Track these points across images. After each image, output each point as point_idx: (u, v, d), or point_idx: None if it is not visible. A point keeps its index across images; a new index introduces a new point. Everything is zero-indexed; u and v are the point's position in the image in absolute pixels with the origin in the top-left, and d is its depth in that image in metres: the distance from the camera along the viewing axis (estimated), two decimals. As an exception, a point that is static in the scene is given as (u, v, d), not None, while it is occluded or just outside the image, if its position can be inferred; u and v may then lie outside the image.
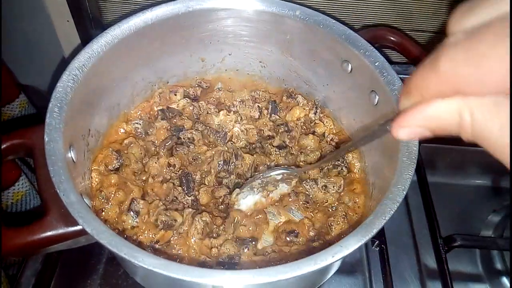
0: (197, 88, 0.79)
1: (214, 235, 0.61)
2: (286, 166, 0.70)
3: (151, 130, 0.73)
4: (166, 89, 0.78)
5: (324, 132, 0.75)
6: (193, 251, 0.60)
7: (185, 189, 0.65)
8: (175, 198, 0.65)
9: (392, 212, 0.48)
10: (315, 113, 0.77)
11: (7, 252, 0.47)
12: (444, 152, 0.89)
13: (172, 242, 0.60)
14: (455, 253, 0.73)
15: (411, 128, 0.32)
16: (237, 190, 0.66)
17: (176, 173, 0.68)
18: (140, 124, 0.72)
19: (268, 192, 0.67)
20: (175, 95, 0.77)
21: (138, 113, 0.75)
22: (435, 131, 0.31)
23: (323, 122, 0.76)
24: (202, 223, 0.60)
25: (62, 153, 0.51)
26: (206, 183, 0.68)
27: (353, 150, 0.70)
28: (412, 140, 0.38)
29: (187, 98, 0.77)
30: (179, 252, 0.60)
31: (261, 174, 0.67)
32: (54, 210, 0.49)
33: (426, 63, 0.29)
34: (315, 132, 0.75)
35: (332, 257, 0.44)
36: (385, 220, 0.47)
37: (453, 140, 0.87)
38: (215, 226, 0.62)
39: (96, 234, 0.45)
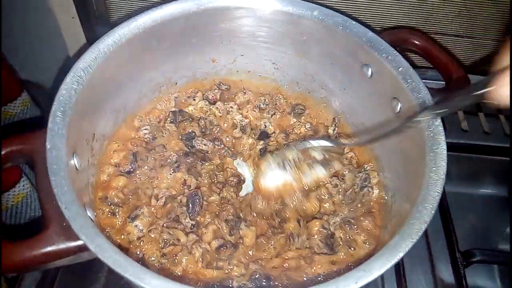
0: (216, 91, 0.76)
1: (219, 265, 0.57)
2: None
3: (159, 134, 0.69)
4: (183, 93, 0.75)
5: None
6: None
7: (189, 210, 0.60)
8: (176, 217, 0.60)
9: (420, 234, 0.44)
10: (333, 130, 0.73)
11: (4, 268, 0.44)
12: (459, 161, 0.85)
13: (179, 256, 0.56)
14: (472, 267, 0.69)
15: None
16: (270, 157, 0.61)
17: (187, 191, 0.64)
18: (147, 130, 0.68)
19: (301, 174, 0.61)
20: (194, 99, 0.74)
21: (147, 117, 0.72)
22: None
23: (342, 138, 0.71)
24: (200, 251, 0.56)
25: (64, 161, 0.48)
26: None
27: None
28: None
29: (206, 101, 0.74)
30: (188, 267, 0.56)
31: (298, 144, 0.61)
32: (55, 223, 0.46)
33: None
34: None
35: (355, 283, 0.40)
36: (413, 242, 0.43)
37: (469, 148, 0.85)
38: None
39: (99, 252, 0.41)
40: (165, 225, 0.59)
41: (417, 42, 0.66)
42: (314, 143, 0.61)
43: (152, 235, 0.57)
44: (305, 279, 0.56)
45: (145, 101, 0.72)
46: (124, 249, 0.56)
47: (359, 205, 0.64)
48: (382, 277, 0.73)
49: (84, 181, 0.56)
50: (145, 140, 0.69)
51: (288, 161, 0.61)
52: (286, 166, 0.61)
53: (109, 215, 0.59)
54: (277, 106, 0.76)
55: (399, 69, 0.59)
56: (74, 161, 0.53)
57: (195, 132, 0.70)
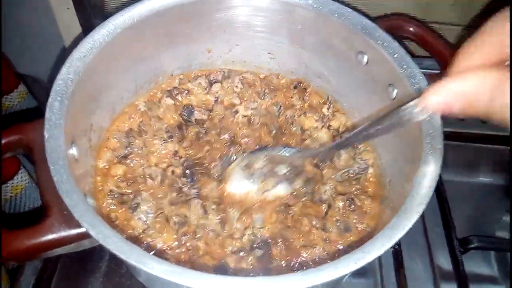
0: (218, 73, 0.76)
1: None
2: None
3: (155, 107, 0.70)
4: (185, 77, 0.75)
5: (339, 127, 0.72)
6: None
7: (189, 181, 0.62)
8: (179, 189, 0.62)
9: (420, 214, 0.45)
10: (328, 108, 0.73)
11: (5, 257, 0.44)
12: (457, 149, 0.86)
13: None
14: (470, 254, 0.71)
15: (445, 97, 0.33)
16: (239, 160, 0.63)
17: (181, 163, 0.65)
18: (143, 104, 0.70)
19: (265, 189, 0.62)
20: (196, 80, 0.74)
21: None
22: (466, 105, 0.33)
23: (337, 117, 0.72)
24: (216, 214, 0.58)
25: (63, 150, 0.48)
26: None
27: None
28: (435, 113, 0.37)
29: (206, 80, 0.75)
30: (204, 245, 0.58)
31: (268, 152, 0.63)
32: (56, 212, 0.46)
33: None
34: (330, 126, 0.71)
35: (355, 263, 0.41)
36: (412, 222, 0.44)
37: (466, 137, 0.86)
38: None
39: (102, 239, 0.42)
40: (172, 202, 0.60)
41: (412, 29, 0.66)
42: (284, 152, 0.63)
43: (158, 219, 0.57)
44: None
45: (141, 92, 0.72)
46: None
47: (353, 183, 0.65)
48: (380, 264, 0.74)
49: (83, 170, 0.56)
50: (140, 112, 0.69)
51: (257, 171, 0.62)
52: (254, 176, 0.62)
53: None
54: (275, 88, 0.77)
55: (395, 56, 0.59)
56: (73, 151, 0.52)
57: (192, 105, 0.71)
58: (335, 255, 0.57)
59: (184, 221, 0.58)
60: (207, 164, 0.65)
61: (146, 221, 0.58)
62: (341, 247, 0.59)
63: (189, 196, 0.61)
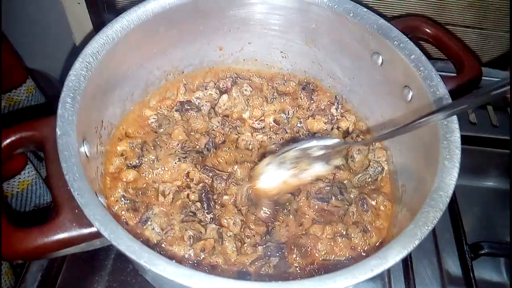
0: (227, 79, 0.75)
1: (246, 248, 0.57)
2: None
3: (165, 122, 0.68)
4: (190, 79, 0.74)
5: (348, 128, 0.71)
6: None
7: (205, 207, 0.59)
8: (192, 213, 0.59)
9: (436, 222, 0.44)
10: (336, 109, 0.72)
11: (16, 255, 0.43)
12: (467, 153, 0.85)
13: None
14: (479, 260, 0.69)
15: None
16: (268, 158, 0.59)
17: (194, 186, 0.62)
18: (155, 118, 0.68)
19: (300, 171, 0.59)
20: (206, 89, 0.73)
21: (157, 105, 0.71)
22: None
23: (346, 118, 0.71)
24: (232, 242, 0.56)
25: (75, 147, 0.47)
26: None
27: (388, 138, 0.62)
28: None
29: (216, 90, 0.73)
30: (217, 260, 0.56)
31: (296, 145, 0.58)
32: (67, 210, 0.45)
33: None
34: (339, 127, 0.70)
35: (371, 271, 0.40)
36: (428, 230, 0.43)
37: (477, 141, 0.84)
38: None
39: (113, 239, 0.41)
40: (183, 220, 0.57)
41: (428, 30, 0.65)
42: (311, 144, 0.58)
43: (172, 234, 0.56)
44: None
45: (152, 89, 0.71)
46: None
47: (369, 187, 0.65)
48: (389, 269, 0.73)
49: (94, 169, 0.56)
50: (152, 128, 0.68)
51: (287, 159, 0.59)
52: (285, 164, 0.59)
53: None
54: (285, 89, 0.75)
55: (411, 57, 0.58)
56: (84, 148, 0.52)
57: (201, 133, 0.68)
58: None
59: (199, 237, 0.56)
60: (222, 188, 0.63)
61: (159, 232, 0.56)
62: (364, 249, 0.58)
63: (205, 222, 0.59)
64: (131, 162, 0.62)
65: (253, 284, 0.41)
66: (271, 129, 0.71)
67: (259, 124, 0.71)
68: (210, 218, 0.59)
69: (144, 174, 0.62)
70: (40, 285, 0.64)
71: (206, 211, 0.59)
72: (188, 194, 0.61)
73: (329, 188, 0.62)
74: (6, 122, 0.79)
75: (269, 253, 0.56)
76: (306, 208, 0.61)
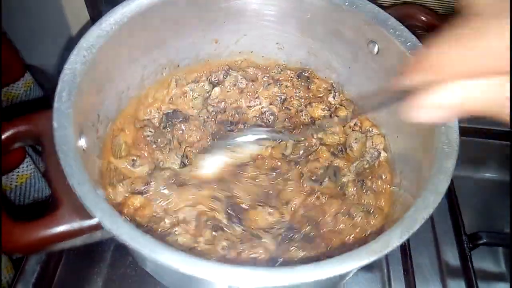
0: (220, 73, 0.74)
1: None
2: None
3: (162, 140, 0.67)
4: (183, 74, 0.73)
5: (347, 116, 0.71)
6: None
7: (236, 221, 0.57)
8: (220, 228, 0.56)
9: (436, 205, 0.44)
10: (333, 97, 0.72)
11: (17, 249, 0.43)
12: (465, 144, 0.85)
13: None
14: (477, 250, 0.70)
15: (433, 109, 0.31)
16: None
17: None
18: (151, 132, 0.66)
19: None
20: (198, 82, 0.73)
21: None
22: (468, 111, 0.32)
23: (344, 106, 0.71)
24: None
25: (72, 140, 0.47)
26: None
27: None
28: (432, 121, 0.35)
29: (209, 83, 0.73)
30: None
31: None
32: (67, 203, 0.45)
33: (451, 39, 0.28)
34: (338, 116, 0.70)
35: (377, 253, 0.40)
36: (429, 214, 0.43)
37: (475, 132, 0.85)
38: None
39: (115, 229, 0.41)
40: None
41: (424, 18, 0.65)
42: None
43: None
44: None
45: (147, 83, 0.71)
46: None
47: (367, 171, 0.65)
48: (387, 258, 0.73)
49: (91, 163, 0.55)
50: (148, 142, 0.66)
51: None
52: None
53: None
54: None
55: (407, 44, 0.58)
56: (82, 142, 0.51)
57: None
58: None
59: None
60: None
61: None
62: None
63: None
64: (136, 188, 0.59)
65: (261, 270, 0.40)
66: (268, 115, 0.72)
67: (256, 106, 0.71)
68: (242, 229, 0.57)
69: (153, 202, 0.58)
70: (39, 277, 0.64)
71: (238, 223, 0.57)
72: (214, 216, 0.58)
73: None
74: (4, 117, 0.78)
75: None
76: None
